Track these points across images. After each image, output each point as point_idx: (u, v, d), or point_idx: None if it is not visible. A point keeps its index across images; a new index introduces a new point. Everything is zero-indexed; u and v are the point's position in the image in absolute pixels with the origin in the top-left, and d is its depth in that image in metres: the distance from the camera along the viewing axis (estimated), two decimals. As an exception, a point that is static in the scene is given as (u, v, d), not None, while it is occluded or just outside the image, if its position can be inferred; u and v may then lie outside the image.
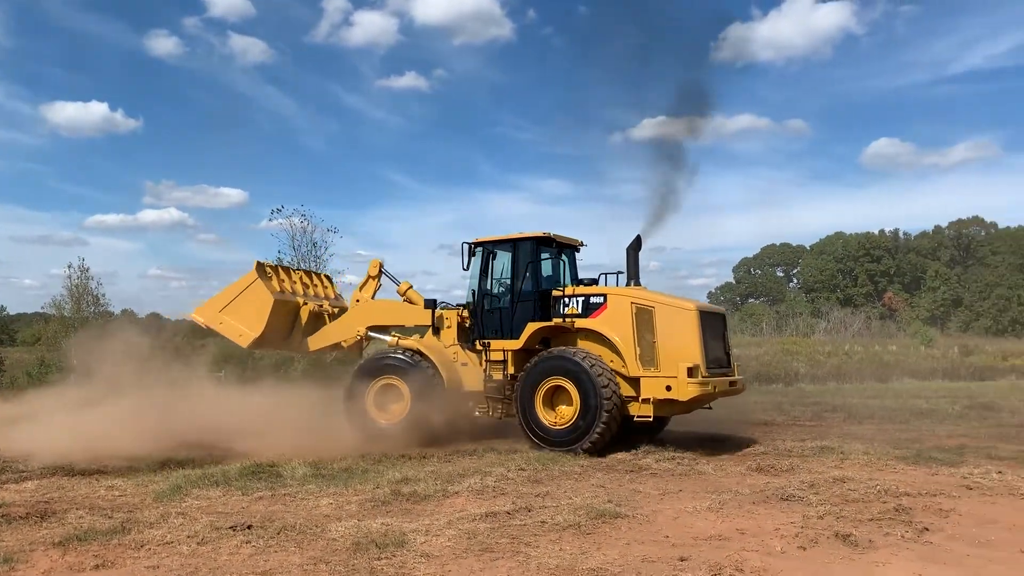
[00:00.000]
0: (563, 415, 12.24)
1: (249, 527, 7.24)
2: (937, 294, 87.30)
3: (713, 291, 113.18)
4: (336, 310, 15.43)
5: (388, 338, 14.17)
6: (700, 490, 9.15)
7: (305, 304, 15.06)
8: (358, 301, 14.92)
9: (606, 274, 13.42)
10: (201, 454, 12.01)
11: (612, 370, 12.13)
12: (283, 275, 15.23)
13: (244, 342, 14.49)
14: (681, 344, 11.97)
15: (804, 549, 6.61)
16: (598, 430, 11.73)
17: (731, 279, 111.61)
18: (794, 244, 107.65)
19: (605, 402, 11.72)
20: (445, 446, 12.61)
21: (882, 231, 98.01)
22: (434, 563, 6.18)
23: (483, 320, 13.55)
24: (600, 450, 11.70)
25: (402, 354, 13.56)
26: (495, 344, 13.23)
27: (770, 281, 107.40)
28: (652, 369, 12.04)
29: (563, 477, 9.90)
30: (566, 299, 12.92)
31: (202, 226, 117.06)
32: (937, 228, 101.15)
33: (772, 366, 34.74)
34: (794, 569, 6.07)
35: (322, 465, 10.84)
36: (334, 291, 16.50)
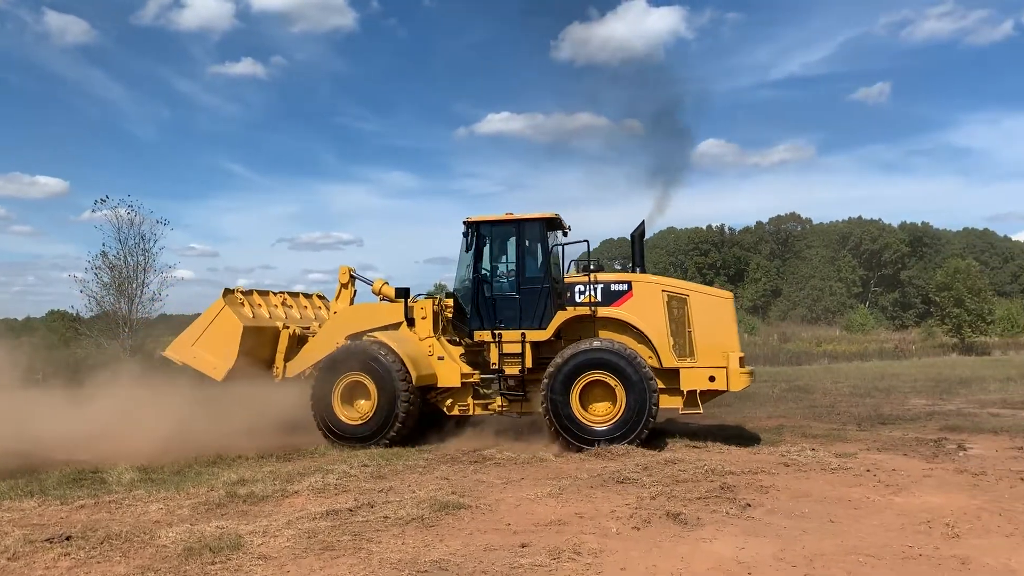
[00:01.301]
0: (600, 412, 11.54)
1: (68, 538, 6.76)
2: (759, 285, 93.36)
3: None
4: None
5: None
6: (542, 477, 9.36)
7: (286, 328, 13.93)
8: (335, 313, 14.00)
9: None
10: (16, 463, 11.05)
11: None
12: (258, 300, 14.18)
13: (218, 375, 13.16)
14: (718, 333, 11.62)
15: (638, 529, 6.90)
16: (648, 424, 11.22)
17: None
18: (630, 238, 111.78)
19: (653, 401, 11.20)
20: (405, 447, 11.94)
21: (709, 226, 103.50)
22: (272, 564, 6.00)
23: (482, 309, 12.46)
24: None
25: (369, 348, 12.37)
26: (508, 335, 12.23)
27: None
28: (689, 360, 11.59)
29: (407, 471, 9.86)
30: (580, 286, 12.14)
31: (15, 217, 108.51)
32: (759, 223, 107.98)
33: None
34: (628, 549, 6.32)
35: (152, 469, 10.29)
36: (329, 310, 15.13)
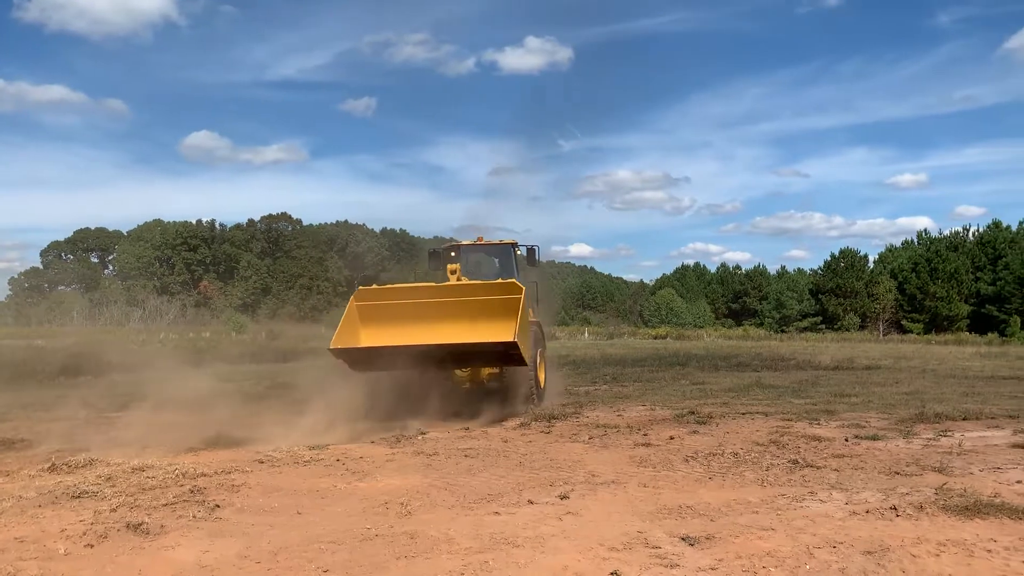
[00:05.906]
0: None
1: None
2: (249, 283, 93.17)
3: (17, 277, 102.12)
4: None
5: None
6: (-26, 502, 8.02)
7: None
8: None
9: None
10: None
11: None
12: None
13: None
14: None
15: (92, 546, 6.31)
16: None
17: (39, 264, 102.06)
18: (111, 229, 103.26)
19: None
20: None
21: (200, 221, 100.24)
22: None
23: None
24: None
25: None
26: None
27: (84, 267, 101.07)
28: None
29: None
30: None
31: None
32: (251, 221, 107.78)
33: (83, 357, 32.61)
34: (78, 569, 5.74)
35: None
36: None
